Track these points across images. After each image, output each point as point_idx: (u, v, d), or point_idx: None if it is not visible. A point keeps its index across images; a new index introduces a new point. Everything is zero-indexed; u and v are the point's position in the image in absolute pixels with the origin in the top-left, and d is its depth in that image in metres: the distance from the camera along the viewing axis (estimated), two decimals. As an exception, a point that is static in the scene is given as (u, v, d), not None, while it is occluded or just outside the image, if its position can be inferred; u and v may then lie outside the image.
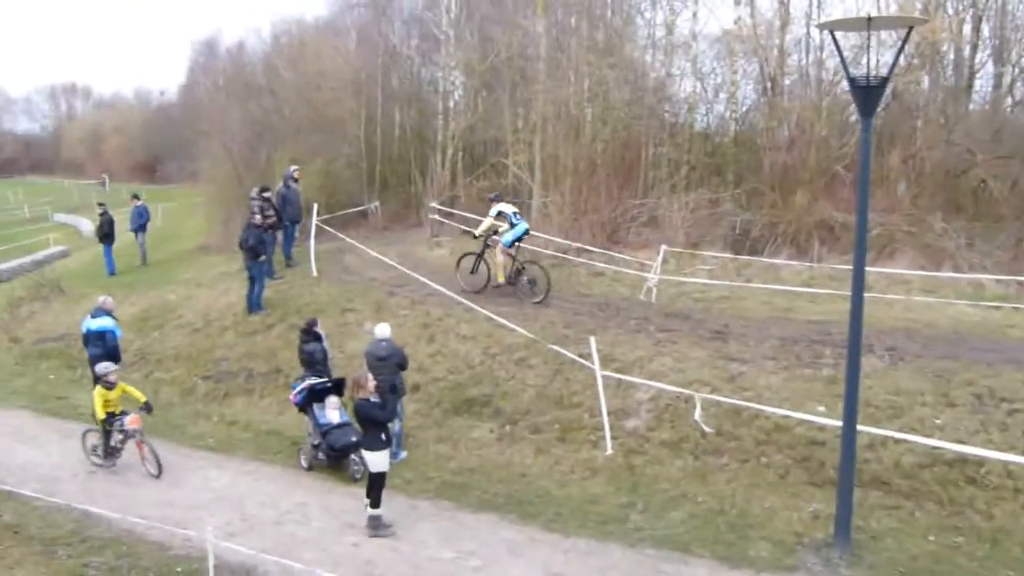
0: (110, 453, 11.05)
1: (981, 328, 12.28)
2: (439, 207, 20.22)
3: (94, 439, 11.26)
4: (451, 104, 25.33)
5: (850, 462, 8.45)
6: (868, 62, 7.82)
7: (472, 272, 15.08)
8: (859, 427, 8.70)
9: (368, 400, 9.07)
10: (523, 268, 14.59)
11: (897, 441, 9.45)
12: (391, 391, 9.91)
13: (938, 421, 9.89)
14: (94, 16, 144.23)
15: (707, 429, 10.33)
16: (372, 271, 16.78)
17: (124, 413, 10.95)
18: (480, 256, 15.05)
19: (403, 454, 11.06)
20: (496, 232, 14.63)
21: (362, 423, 9.15)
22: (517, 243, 14.57)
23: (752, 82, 22.97)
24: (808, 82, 22.01)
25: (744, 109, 22.89)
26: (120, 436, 10.92)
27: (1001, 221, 16.37)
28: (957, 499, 8.96)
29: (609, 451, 10.61)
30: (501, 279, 14.60)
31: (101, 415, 10.79)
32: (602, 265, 15.85)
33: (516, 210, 14.94)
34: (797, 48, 21.96)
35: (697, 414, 10.28)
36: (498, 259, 14.64)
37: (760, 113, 22.08)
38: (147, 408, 11.06)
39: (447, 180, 22.86)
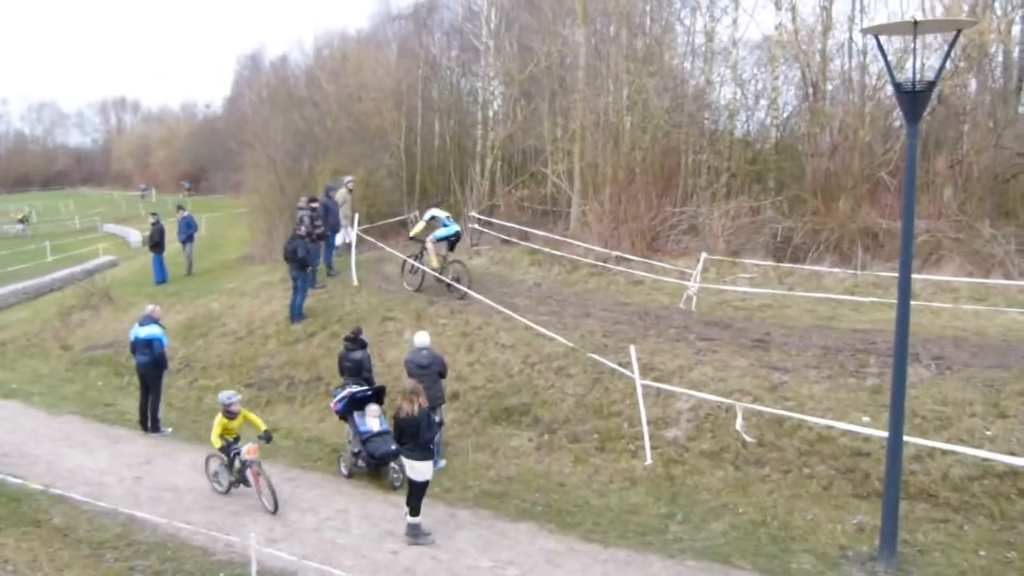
0: (232, 482, 10.52)
1: (1034, 338, 11.94)
2: (478, 216, 20.32)
3: (216, 465, 10.75)
4: (490, 114, 25.52)
5: (896, 474, 8.28)
6: (914, 67, 7.70)
7: (412, 272, 16.38)
8: (905, 438, 8.52)
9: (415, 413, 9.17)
10: (448, 266, 15.94)
11: (945, 452, 9.25)
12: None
13: (988, 432, 9.63)
14: (143, 33, 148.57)
15: (748, 439, 10.20)
16: (416, 277, 16.88)
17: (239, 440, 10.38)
18: (418, 257, 16.36)
19: (442, 463, 11.11)
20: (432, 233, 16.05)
21: (408, 433, 9.17)
22: (447, 242, 15.95)
23: (793, 88, 22.77)
24: (851, 87, 21.72)
25: (785, 115, 22.69)
26: (238, 464, 10.32)
27: (1053, 227, 15.92)
28: (1009, 513, 8.72)
29: (649, 461, 10.53)
30: (435, 263, 15.92)
31: (216, 443, 10.24)
32: (641, 273, 15.78)
33: (448, 215, 16.39)
34: (839, 53, 21.70)
35: (739, 424, 10.15)
36: (430, 251, 15.99)
37: (802, 119, 21.85)
38: (266, 437, 10.43)
39: (486, 189, 23.01)
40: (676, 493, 10.02)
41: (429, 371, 10.87)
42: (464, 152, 25.37)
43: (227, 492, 10.56)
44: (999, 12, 20.46)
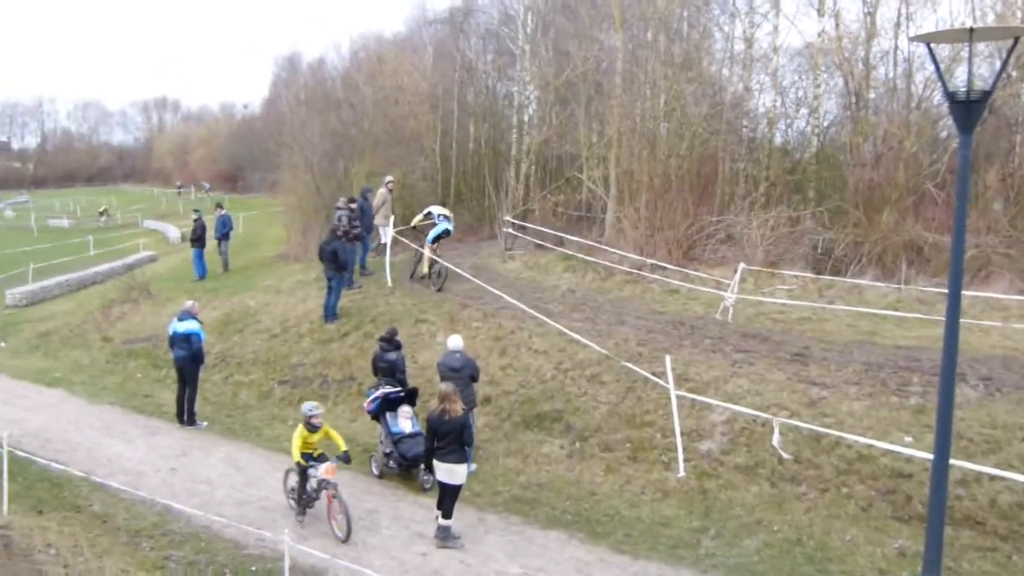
0: (305, 501, 9.77)
1: (1090, 358, 11.55)
2: (513, 220, 20.27)
3: (294, 480, 9.97)
4: (526, 118, 25.48)
5: (941, 498, 7.96)
6: (969, 76, 7.44)
7: (436, 275, 16.86)
8: (951, 461, 8.26)
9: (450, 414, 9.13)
10: (436, 262, 16.71)
11: (993, 478, 8.94)
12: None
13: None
14: (185, 35, 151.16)
15: (785, 455, 9.98)
16: (446, 283, 16.90)
17: (323, 457, 9.63)
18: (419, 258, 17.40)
19: (473, 466, 11.04)
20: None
21: (447, 435, 9.11)
22: (438, 239, 16.88)
23: (835, 96, 22.40)
24: (896, 96, 21.30)
25: (826, 124, 22.34)
26: (314, 484, 9.57)
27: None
28: (1063, 544, 8.41)
29: (681, 473, 10.36)
30: (425, 270, 16.97)
31: (296, 456, 9.51)
32: (677, 282, 15.59)
33: (444, 213, 17.28)
34: (883, 61, 21.29)
35: (775, 439, 9.95)
36: (425, 253, 16.98)
37: (843, 128, 21.48)
38: (345, 458, 9.68)
39: (521, 194, 22.95)
40: (709, 507, 9.83)
41: (461, 374, 10.82)
42: (499, 156, 25.37)
43: (302, 513, 9.80)
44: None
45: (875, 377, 10.93)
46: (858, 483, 9.54)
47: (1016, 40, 7.73)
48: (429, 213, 17.22)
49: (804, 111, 22.37)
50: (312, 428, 9.61)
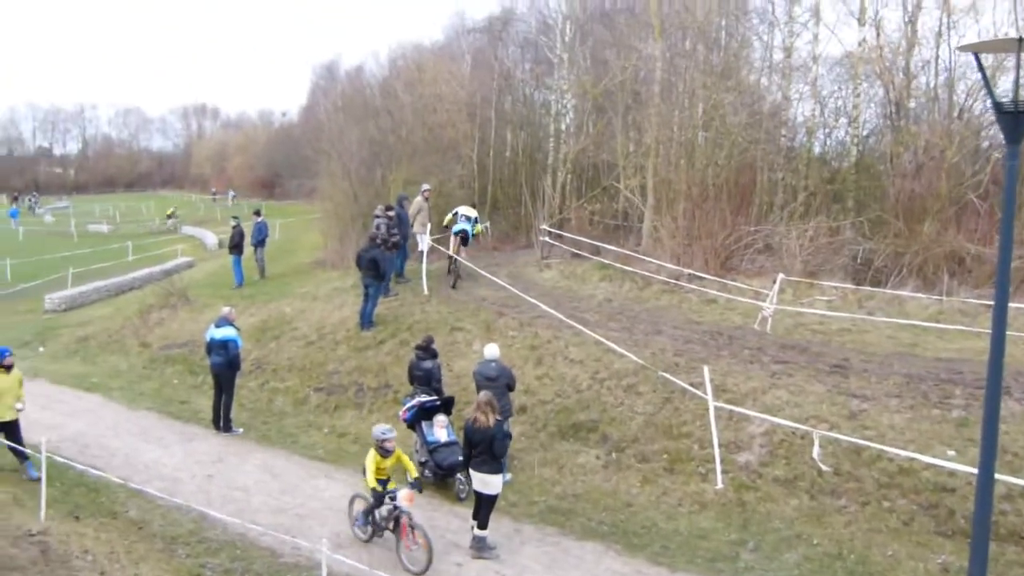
0: (375, 528, 9.50)
1: None
2: (549, 229, 20.35)
3: (361, 506, 9.71)
4: (563, 127, 25.59)
5: (986, 513, 7.86)
6: (1016, 85, 7.37)
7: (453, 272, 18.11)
8: (996, 476, 8.14)
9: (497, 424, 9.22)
10: (456, 259, 17.97)
11: (1040, 494, 8.81)
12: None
13: (1088, 474, 9.14)
14: (225, 42, 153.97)
15: (825, 468, 9.90)
16: (482, 291, 17.02)
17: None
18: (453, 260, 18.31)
19: (508, 476, 11.10)
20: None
21: (481, 445, 9.17)
22: (459, 236, 18.02)
23: (875, 106, 22.17)
24: (937, 106, 21.03)
25: (866, 134, 22.11)
26: (388, 510, 9.25)
27: None
28: (1108, 561, 8.25)
29: (719, 485, 10.32)
30: (451, 251, 18.21)
31: (372, 482, 9.16)
32: (715, 292, 15.52)
33: (467, 214, 18.33)
34: (924, 70, 21.04)
35: (815, 452, 9.88)
36: (451, 242, 18.30)
37: (883, 138, 21.26)
38: (417, 486, 9.33)
39: (557, 202, 23.04)
40: (748, 520, 9.78)
41: (497, 383, 10.89)
42: (536, 164, 25.50)
43: (369, 540, 9.55)
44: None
45: (916, 389, 10.80)
46: (900, 497, 9.43)
47: None
48: (456, 213, 18.42)
49: (843, 120, 22.18)
50: (385, 452, 9.26)
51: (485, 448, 9.14)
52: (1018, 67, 7.59)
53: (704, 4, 23.13)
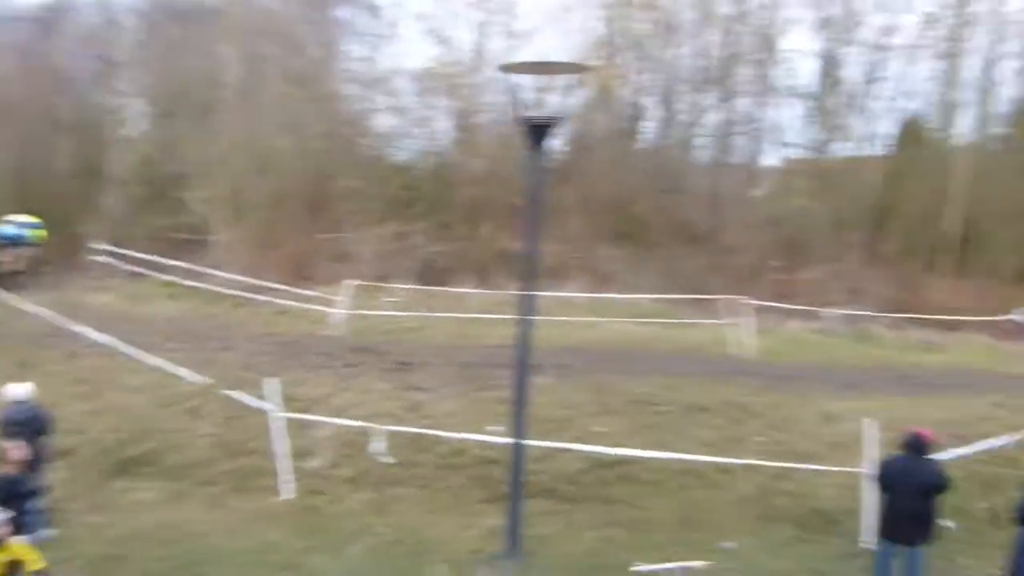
0: None
1: (638, 343, 13.96)
2: (109, 248, 18.58)
3: None
4: (128, 134, 23.60)
5: (519, 475, 9.04)
6: (541, 105, 8.64)
7: None
8: (528, 441, 9.37)
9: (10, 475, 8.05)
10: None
11: (564, 451, 10.33)
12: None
13: (599, 429, 11.01)
14: None
15: (388, 460, 10.49)
16: (20, 322, 14.94)
17: None
18: None
19: (49, 532, 9.82)
20: None
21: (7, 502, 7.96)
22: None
23: (449, 118, 24.27)
24: (501, 120, 23.69)
25: (440, 144, 24.07)
26: None
27: (657, 247, 18.82)
28: (613, 497, 10.06)
29: (289, 495, 10.34)
30: None
31: None
32: (287, 302, 15.62)
33: (14, 220, 18.20)
34: (492, 87, 23.56)
35: (376, 446, 10.41)
36: None
37: (455, 148, 23.35)
38: None
39: (119, 217, 21.11)
40: (317, 524, 9.91)
41: (26, 429, 9.58)
42: (95, 176, 23.05)
43: None
44: (622, 61, 23.80)
45: (469, 376, 12.06)
46: (453, 475, 10.41)
47: (582, 74, 9.15)
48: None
49: (420, 131, 23.90)
50: None
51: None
52: (539, 89, 8.89)
53: (286, 9, 23.19)
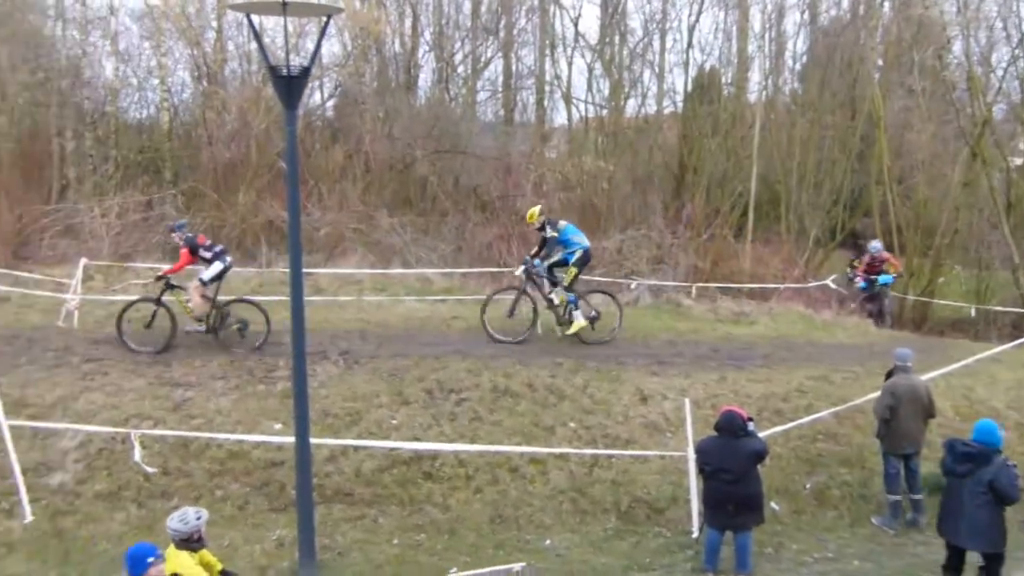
0: None
1: (429, 322, 14.33)
2: None
3: None
4: None
5: (307, 479, 9.04)
6: (286, 50, 8.48)
7: None
8: (316, 440, 9.46)
9: None
10: None
11: (357, 448, 10.54)
12: None
13: (395, 421, 11.28)
14: None
15: (150, 470, 10.12)
16: None
17: None
18: None
19: None
20: None
21: None
22: None
23: (188, 67, 23.05)
24: (250, 70, 22.93)
25: (179, 99, 22.88)
26: None
27: (445, 215, 19.30)
28: (416, 497, 10.30)
29: (29, 518, 9.70)
30: None
31: None
32: (6, 288, 14.33)
33: None
34: (239, 32, 22.66)
35: (136, 455, 10.01)
36: None
37: (197, 103, 22.30)
38: None
39: None
40: (68, 550, 9.41)
41: None
42: None
43: None
44: (389, 5, 23.85)
45: (241, 368, 11.85)
46: (232, 482, 10.23)
47: (329, 16, 9.07)
48: None
49: (154, 83, 22.55)
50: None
51: None
52: (286, 30, 8.78)
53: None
